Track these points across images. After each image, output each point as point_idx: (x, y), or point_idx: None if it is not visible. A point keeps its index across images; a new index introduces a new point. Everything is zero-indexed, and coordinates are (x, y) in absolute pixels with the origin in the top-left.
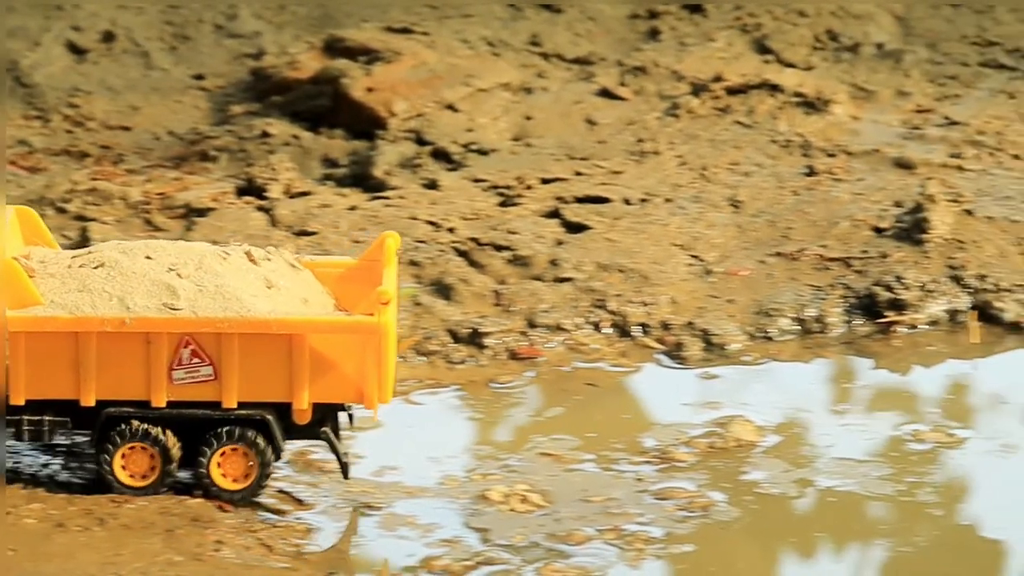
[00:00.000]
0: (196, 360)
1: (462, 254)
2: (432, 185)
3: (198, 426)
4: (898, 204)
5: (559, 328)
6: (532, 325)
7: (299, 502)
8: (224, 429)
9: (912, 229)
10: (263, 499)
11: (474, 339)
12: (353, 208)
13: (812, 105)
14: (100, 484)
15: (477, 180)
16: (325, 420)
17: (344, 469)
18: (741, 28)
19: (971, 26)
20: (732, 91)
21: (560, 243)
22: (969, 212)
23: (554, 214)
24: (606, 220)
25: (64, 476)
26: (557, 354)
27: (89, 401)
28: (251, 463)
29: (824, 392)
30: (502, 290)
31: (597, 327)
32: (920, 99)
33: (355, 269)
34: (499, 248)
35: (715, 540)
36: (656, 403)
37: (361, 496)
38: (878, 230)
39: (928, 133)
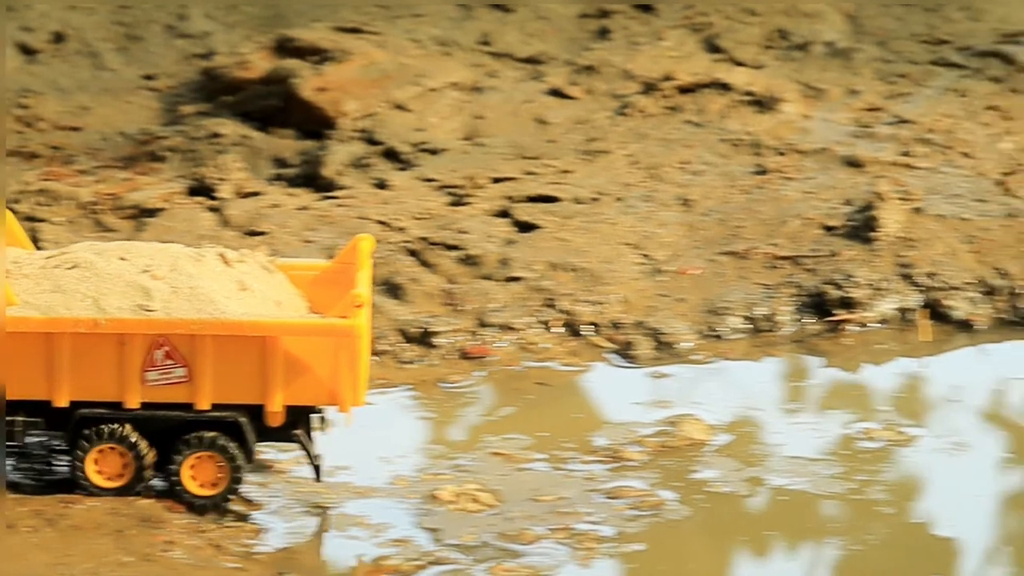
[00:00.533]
0: (170, 361)
1: (412, 254)
2: (382, 185)
3: (171, 428)
4: (848, 202)
5: (509, 327)
6: (482, 324)
7: (249, 502)
8: (196, 435)
9: (862, 227)
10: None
11: (424, 339)
12: (303, 208)
13: (762, 104)
14: (51, 485)
15: (427, 180)
16: (298, 423)
17: (316, 472)
18: (691, 27)
19: (921, 24)
20: (682, 90)
21: (510, 242)
22: (919, 210)
23: (504, 213)
24: (556, 219)
25: (14, 477)
26: (507, 353)
27: (62, 402)
28: (222, 469)
29: (775, 391)
30: (452, 289)
31: (547, 326)
32: (870, 97)
33: (329, 272)
34: (449, 248)
35: (666, 539)
36: (607, 402)
37: (311, 496)
38: (828, 228)
39: (878, 131)
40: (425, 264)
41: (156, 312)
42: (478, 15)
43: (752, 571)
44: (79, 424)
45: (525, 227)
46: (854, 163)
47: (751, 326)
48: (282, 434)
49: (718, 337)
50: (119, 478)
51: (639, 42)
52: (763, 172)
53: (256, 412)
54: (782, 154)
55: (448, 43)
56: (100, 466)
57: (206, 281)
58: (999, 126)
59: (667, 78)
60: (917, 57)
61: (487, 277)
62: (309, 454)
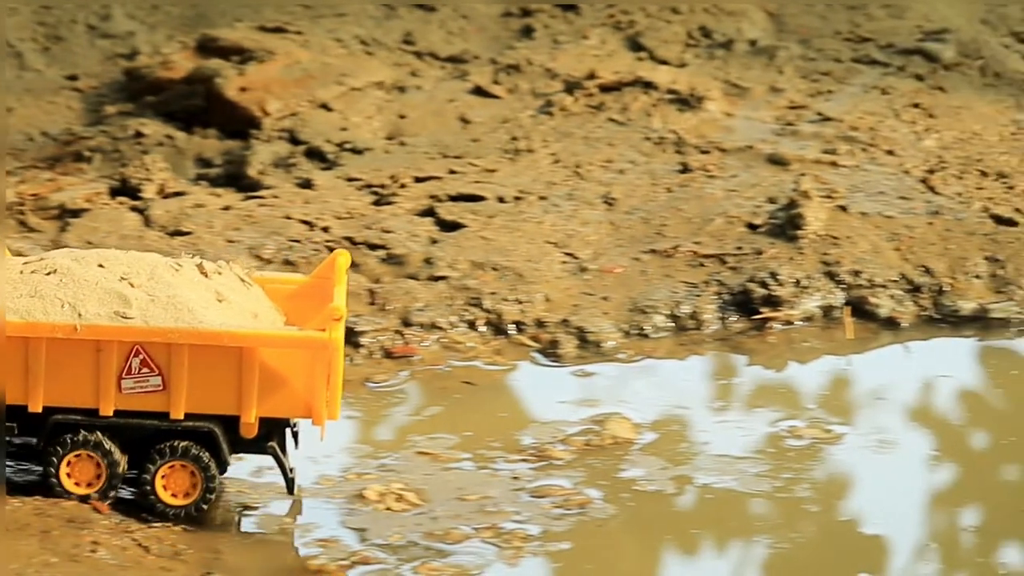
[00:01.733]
0: (146, 370)
1: None
2: (306, 184)
3: (145, 436)
4: (772, 200)
5: (434, 327)
6: (407, 324)
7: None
8: (169, 444)
9: (786, 225)
10: (140, 499)
11: (349, 338)
12: (227, 208)
13: (686, 102)
14: None
15: (351, 179)
16: (272, 435)
17: (289, 485)
18: (614, 26)
19: (844, 22)
20: (606, 88)
21: (435, 241)
22: (843, 208)
23: (428, 212)
24: (480, 218)
25: None
26: (432, 353)
27: (36, 407)
28: (196, 479)
29: (701, 389)
30: (377, 289)
31: (472, 325)
32: (793, 95)
33: (305, 286)
34: (373, 247)
35: (592, 537)
36: (532, 401)
37: (238, 496)
38: (752, 226)
39: (801, 129)
40: (349, 264)
41: (134, 320)
42: (401, 14)
43: (679, 570)
44: (53, 430)
45: (449, 226)
46: (778, 161)
47: (675, 324)
48: (256, 446)
49: (643, 335)
50: (90, 486)
51: (562, 41)
52: (687, 170)
53: (231, 423)
54: (706, 152)
55: (371, 42)
56: (73, 472)
57: (184, 290)
58: (922, 124)
59: (590, 77)
60: (840, 55)
61: (411, 276)
62: (283, 467)
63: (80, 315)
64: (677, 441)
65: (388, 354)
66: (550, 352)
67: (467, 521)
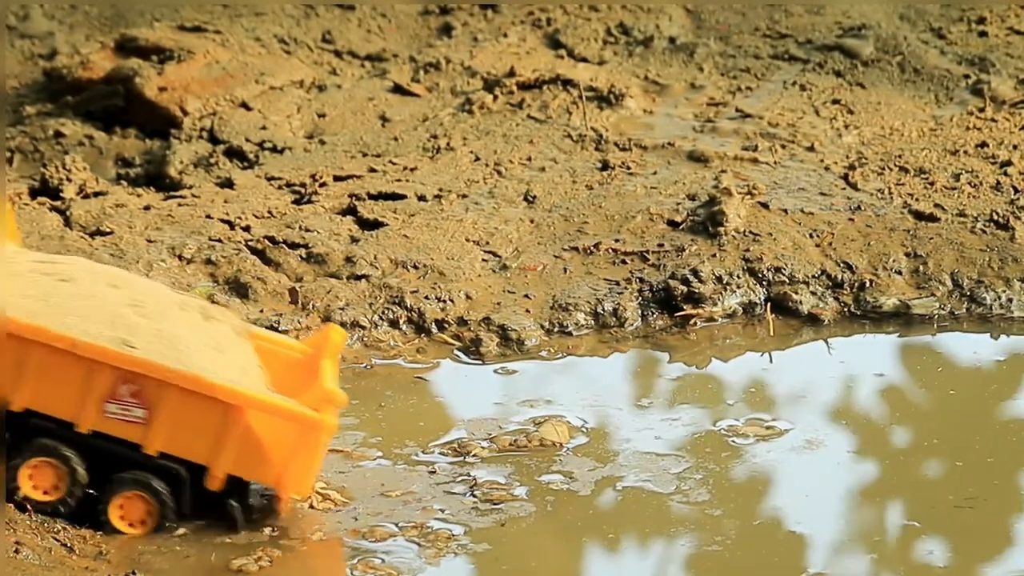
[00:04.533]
0: (133, 400)
1: (257, 252)
2: (226, 184)
3: (113, 461)
4: (692, 197)
5: (356, 325)
6: (329, 322)
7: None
8: (134, 475)
9: (707, 222)
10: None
11: None
12: (148, 208)
13: (605, 99)
14: None
15: (271, 178)
16: (234, 493)
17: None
18: (533, 23)
19: (763, 19)
20: (525, 86)
21: (355, 240)
22: (764, 205)
23: (349, 211)
24: (401, 217)
25: None
26: (354, 351)
27: (17, 406)
28: (151, 512)
29: (624, 387)
30: (298, 288)
31: (394, 324)
32: (713, 92)
33: (294, 352)
34: (294, 246)
35: (515, 537)
36: (454, 399)
37: None
38: (673, 224)
39: (721, 126)
40: (270, 263)
41: (138, 351)
42: (319, 13)
43: (604, 570)
44: (26, 431)
45: (370, 225)
46: (698, 158)
47: (598, 322)
48: (215, 498)
49: (565, 333)
50: (48, 493)
51: (481, 39)
52: (607, 168)
53: (198, 471)
54: (626, 149)
55: (290, 41)
56: (34, 478)
57: (186, 332)
58: (842, 120)
59: (510, 74)
60: (759, 51)
61: (333, 275)
62: (236, 523)
63: (87, 331)
64: (601, 440)
65: None
66: (472, 350)
67: (390, 519)
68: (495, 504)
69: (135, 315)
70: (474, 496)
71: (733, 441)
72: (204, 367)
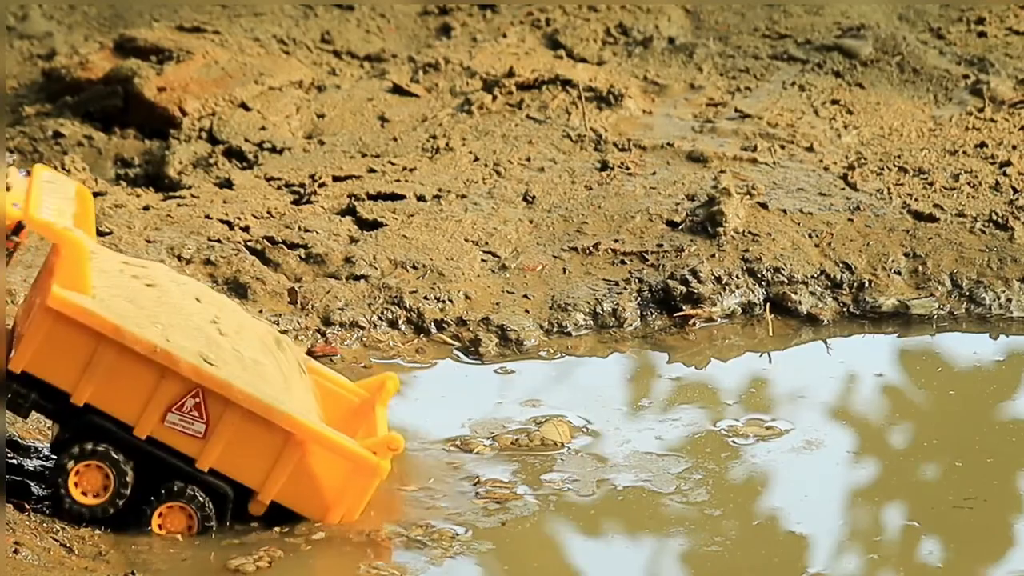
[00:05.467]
0: (195, 414)
1: (256, 253)
2: (225, 184)
3: (163, 471)
4: (692, 198)
5: (355, 326)
6: (328, 323)
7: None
8: (183, 486)
9: (706, 222)
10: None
11: None
12: (147, 208)
13: (604, 100)
14: None
15: (270, 178)
16: (275, 521)
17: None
18: (533, 23)
19: (762, 19)
20: (524, 87)
21: (355, 240)
22: (763, 205)
23: (348, 211)
24: (400, 217)
25: None
26: (354, 352)
27: (79, 400)
28: (191, 525)
29: (624, 387)
30: (297, 288)
31: (393, 324)
32: (712, 92)
33: (348, 392)
34: (293, 246)
35: (518, 536)
36: (455, 399)
37: None
38: (672, 224)
39: (720, 126)
40: (269, 263)
41: (216, 367)
42: (319, 13)
43: (605, 570)
44: (84, 428)
45: (369, 225)
46: (697, 158)
47: (596, 322)
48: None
49: (564, 333)
50: (97, 496)
51: (480, 39)
52: (606, 168)
53: (244, 493)
54: (625, 150)
55: (289, 42)
56: (81, 477)
57: (262, 357)
58: (841, 120)
59: (509, 75)
60: (759, 52)
61: (332, 276)
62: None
63: (169, 340)
64: (601, 439)
65: (310, 354)
66: (471, 350)
67: (390, 519)
68: (498, 503)
69: (216, 332)
70: (477, 495)
71: (732, 441)
72: (274, 395)
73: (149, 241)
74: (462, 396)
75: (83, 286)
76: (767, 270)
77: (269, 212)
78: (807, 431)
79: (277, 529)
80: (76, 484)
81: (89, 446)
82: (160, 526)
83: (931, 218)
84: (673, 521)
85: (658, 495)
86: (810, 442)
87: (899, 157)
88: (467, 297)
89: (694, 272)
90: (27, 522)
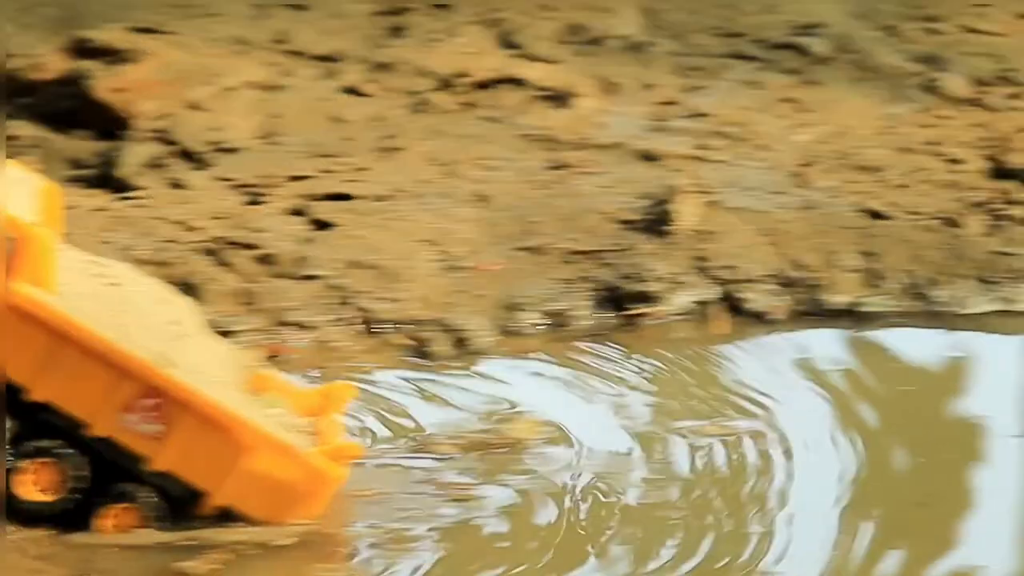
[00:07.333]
0: (153, 415)
1: (209, 253)
2: (179, 185)
3: (116, 470)
4: (645, 196)
5: (307, 326)
6: (280, 323)
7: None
8: (136, 488)
9: (659, 221)
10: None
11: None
12: (101, 209)
13: (558, 99)
14: None
15: (224, 179)
16: (228, 523)
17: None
18: (486, 23)
19: (716, 17)
20: (478, 86)
21: (307, 241)
22: (715, 203)
23: (301, 212)
24: (353, 217)
25: None
26: (306, 352)
27: (39, 397)
28: (144, 520)
29: (581, 385)
30: (250, 288)
31: (346, 324)
32: (666, 91)
33: (302, 398)
34: (246, 247)
35: (483, 535)
36: (412, 400)
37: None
38: (625, 223)
39: (674, 125)
40: (222, 264)
41: (175, 369)
42: (273, 14)
43: (573, 567)
44: (38, 425)
45: (322, 225)
46: (650, 157)
47: (549, 321)
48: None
49: (517, 333)
50: (48, 493)
51: (434, 39)
52: (559, 167)
53: (195, 495)
54: (578, 149)
55: (243, 42)
56: (36, 474)
57: (217, 360)
58: (794, 118)
59: (462, 74)
60: (712, 50)
61: (284, 276)
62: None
63: (130, 338)
64: (562, 437)
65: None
66: (423, 350)
67: (354, 517)
68: (462, 503)
69: (178, 334)
70: (438, 496)
71: (690, 439)
72: (231, 399)
73: (104, 242)
74: (420, 397)
75: (48, 283)
76: (720, 268)
77: (222, 213)
78: (762, 428)
79: (229, 532)
80: (34, 482)
81: (44, 443)
82: (115, 525)
83: (884, 216)
84: (637, 519)
85: (621, 493)
86: (765, 439)
87: (852, 155)
88: (419, 297)
89: (646, 270)
90: None
